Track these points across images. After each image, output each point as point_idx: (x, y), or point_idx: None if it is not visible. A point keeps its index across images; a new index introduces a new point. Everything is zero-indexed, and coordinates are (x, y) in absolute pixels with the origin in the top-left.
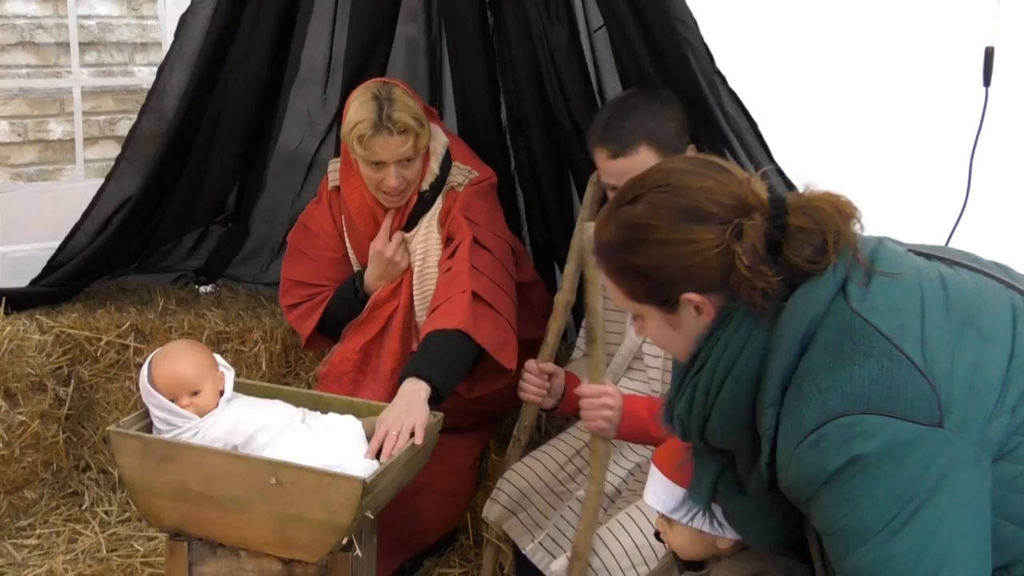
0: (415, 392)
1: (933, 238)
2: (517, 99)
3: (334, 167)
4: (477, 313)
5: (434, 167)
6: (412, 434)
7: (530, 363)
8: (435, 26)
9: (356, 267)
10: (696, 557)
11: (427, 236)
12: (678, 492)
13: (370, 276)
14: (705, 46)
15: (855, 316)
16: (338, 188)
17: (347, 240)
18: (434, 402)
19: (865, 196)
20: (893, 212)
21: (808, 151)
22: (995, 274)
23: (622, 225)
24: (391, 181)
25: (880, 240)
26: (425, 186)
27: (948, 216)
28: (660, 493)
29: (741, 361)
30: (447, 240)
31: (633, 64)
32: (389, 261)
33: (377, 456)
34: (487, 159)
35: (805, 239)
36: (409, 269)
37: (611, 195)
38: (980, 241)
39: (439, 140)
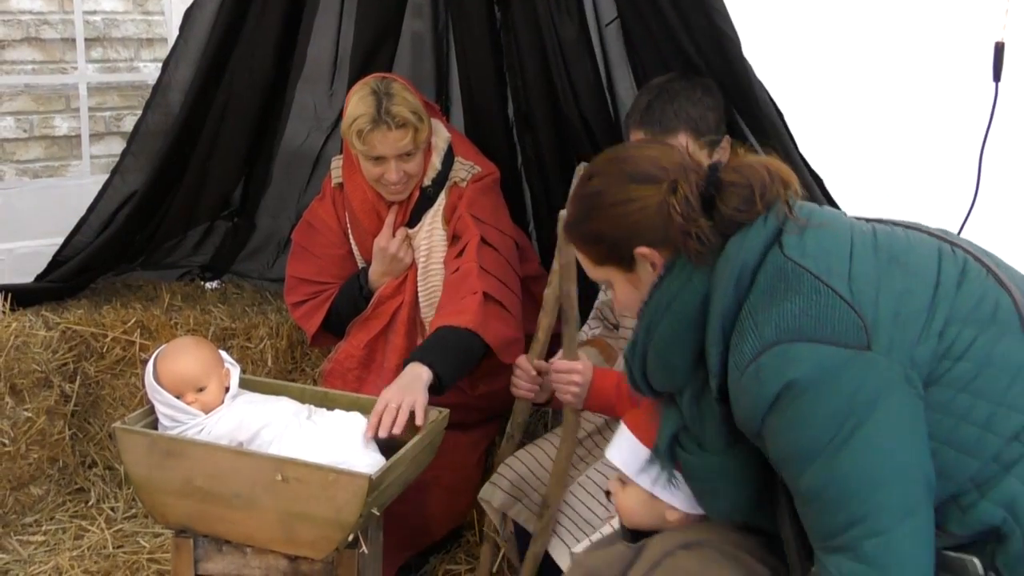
0: (417, 375)
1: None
2: (524, 94)
3: (337, 164)
4: (488, 313)
5: (436, 162)
6: (413, 416)
7: (521, 359)
8: (442, 21)
9: (360, 263)
10: (642, 525)
11: (431, 232)
12: (642, 453)
13: (374, 273)
14: (736, 32)
15: (788, 261)
16: (341, 185)
17: (351, 236)
18: (435, 392)
19: (875, 191)
20: (903, 207)
21: (819, 146)
22: (931, 230)
23: (579, 199)
24: (391, 175)
25: (816, 205)
26: (427, 181)
27: (958, 211)
28: (624, 451)
29: (680, 299)
30: (453, 238)
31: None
32: (393, 257)
33: (379, 435)
34: (493, 154)
35: (734, 191)
36: (413, 265)
37: None
38: (990, 236)
39: (441, 135)
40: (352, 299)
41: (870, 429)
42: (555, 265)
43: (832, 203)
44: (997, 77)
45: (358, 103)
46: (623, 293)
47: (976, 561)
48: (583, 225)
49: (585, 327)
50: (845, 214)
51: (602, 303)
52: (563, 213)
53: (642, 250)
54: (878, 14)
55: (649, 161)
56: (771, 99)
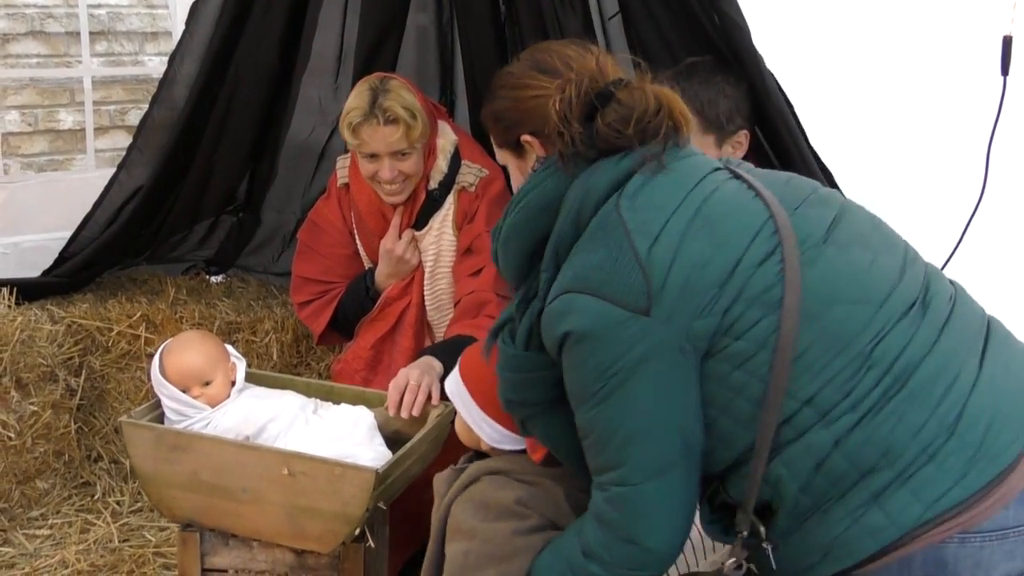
0: (431, 364)
1: (950, 227)
2: None
3: (343, 163)
4: None
5: (442, 165)
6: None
7: None
8: (446, 15)
9: (366, 264)
10: (468, 445)
11: (440, 237)
12: (464, 389)
13: (380, 274)
14: (745, 22)
15: (614, 211)
16: (347, 185)
17: (356, 237)
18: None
19: (882, 185)
20: (910, 201)
21: (826, 140)
22: (766, 198)
23: (495, 80)
24: (385, 173)
25: (693, 150)
26: (433, 184)
27: (965, 205)
28: (451, 383)
29: (532, 196)
30: (467, 250)
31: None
32: (399, 259)
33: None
34: None
35: (616, 109)
36: (420, 267)
37: None
38: (997, 230)
39: (447, 138)
40: (358, 300)
41: (631, 388)
42: None
43: None
44: (1005, 71)
45: (354, 98)
46: (515, 180)
47: (761, 525)
48: (489, 104)
49: None
50: (710, 163)
51: None
52: None
53: (527, 137)
54: (886, 8)
55: (560, 57)
56: (781, 89)
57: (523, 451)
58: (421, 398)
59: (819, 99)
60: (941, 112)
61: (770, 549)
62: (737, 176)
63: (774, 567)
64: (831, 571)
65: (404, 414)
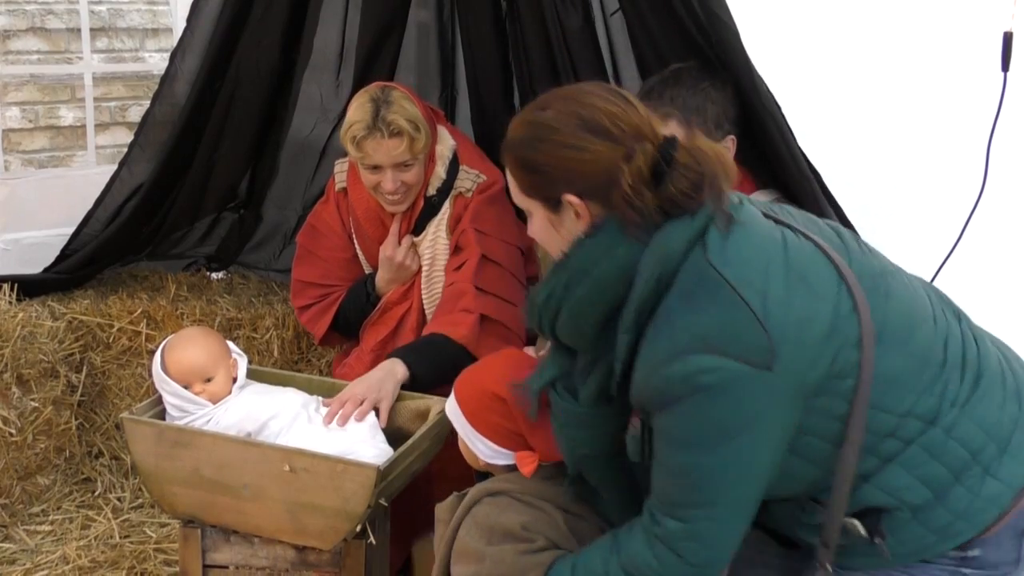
0: (392, 371)
1: (950, 225)
2: (530, 84)
3: (341, 168)
4: (485, 331)
5: (440, 171)
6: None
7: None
8: (447, 11)
9: (366, 268)
10: (468, 460)
11: (435, 240)
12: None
13: (381, 280)
14: (733, 22)
15: (709, 267)
16: (345, 190)
17: (356, 242)
18: (409, 389)
19: (882, 182)
20: (910, 198)
21: (824, 138)
22: (824, 247)
23: (528, 125)
24: (388, 185)
25: (741, 198)
26: (432, 190)
27: (965, 202)
28: (450, 405)
29: (601, 266)
30: (455, 248)
31: (654, 47)
32: (400, 265)
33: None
34: (499, 144)
35: (685, 174)
36: (420, 271)
37: None
38: (997, 226)
39: (446, 143)
40: (359, 305)
41: (746, 439)
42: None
43: (830, 198)
44: (1005, 67)
45: (356, 110)
46: (540, 228)
47: (858, 523)
48: (524, 151)
49: None
50: (760, 215)
51: None
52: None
53: (571, 198)
54: (886, 4)
55: (608, 116)
56: (769, 92)
57: (515, 466)
58: (363, 411)
59: (820, 96)
60: (941, 108)
61: (881, 543)
62: (780, 222)
63: (888, 556)
64: (952, 545)
65: (340, 424)
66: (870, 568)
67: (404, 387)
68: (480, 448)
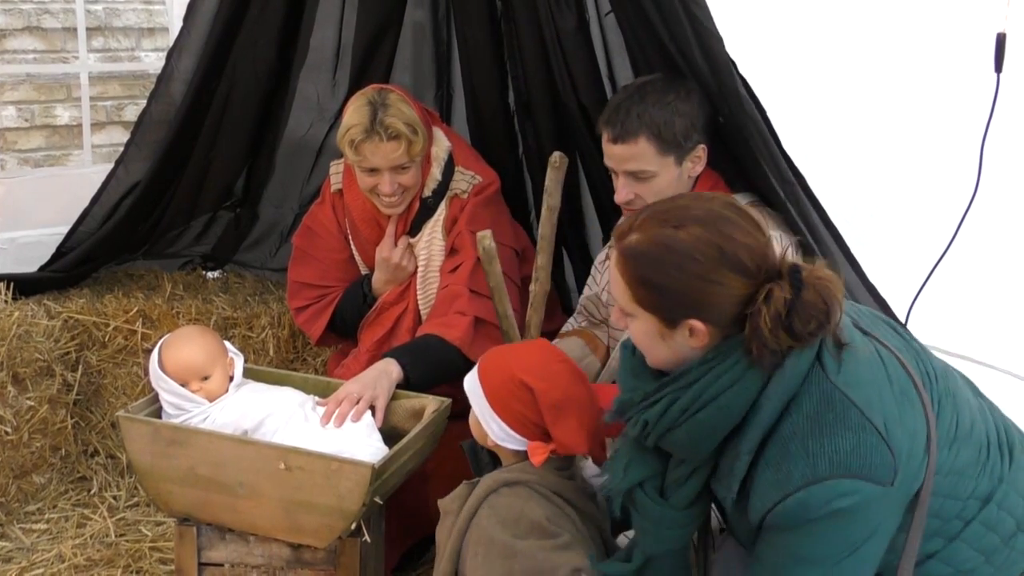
0: (386, 371)
1: (943, 226)
2: (525, 84)
3: (336, 169)
4: (479, 334)
5: (436, 173)
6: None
7: None
8: (442, 10)
9: (362, 269)
10: (477, 436)
11: (430, 242)
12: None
13: (378, 281)
14: (715, 27)
15: (835, 389)
16: (340, 191)
17: (351, 243)
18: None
19: (875, 184)
20: (904, 200)
21: (818, 140)
22: (899, 356)
23: (662, 244)
24: (385, 187)
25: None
26: (427, 192)
27: (959, 203)
28: (470, 380)
29: (728, 394)
30: (451, 250)
31: (641, 50)
32: (396, 266)
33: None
34: (494, 144)
35: (813, 315)
36: (416, 272)
37: (614, 178)
38: (990, 229)
39: (441, 145)
40: (356, 306)
41: (866, 549)
42: (540, 261)
43: (814, 202)
44: (999, 68)
45: (353, 114)
46: (643, 336)
47: None
48: (650, 270)
49: (571, 320)
50: (853, 326)
51: (587, 299)
52: (556, 155)
53: (697, 324)
54: (880, 5)
55: (747, 250)
56: (753, 95)
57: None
58: (359, 410)
59: (813, 98)
60: (935, 109)
61: None
62: (866, 333)
63: None
64: None
65: (336, 424)
66: None
67: (398, 387)
68: (493, 429)
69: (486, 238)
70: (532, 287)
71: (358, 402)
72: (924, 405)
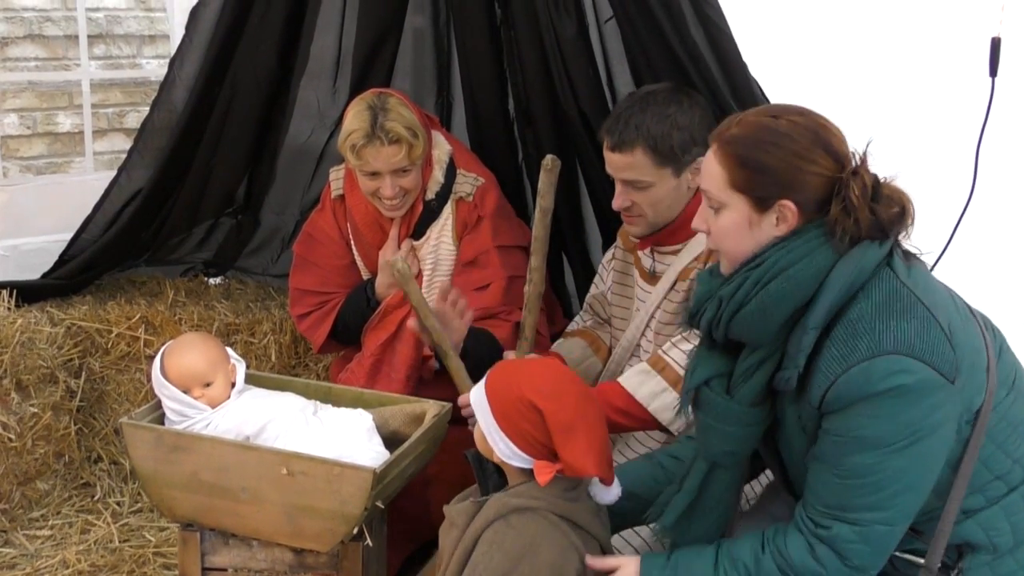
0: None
1: (939, 229)
2: (524, 91)
3: (336, 175)
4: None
5: (438, 176)
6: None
7: (509, 355)
8: (443, 17)
9: (364, 274)
10: (482, 451)
11: (438, 246)
12: (485, 401)
13: (381, 284)
14: (727, 26)
15: (903, 287)
16: (342, 196)
17: (354, 248)
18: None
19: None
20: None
21: None
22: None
23: (761, 128)
24: (387, 191)
25: None
26: (430, 195)
27: (954, 207)
28: (476, 393)
29: (798, 266)
30: (471, 262)
31: (644, 55)
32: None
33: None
34: (494, 150)
35: (891, 204)
36: (420, 276)
37: (617, 186)
38: (985, 232)
39: (442, 148)
40: (359, 311)
41: (925, 445)
42: (534, 262)
43: None
44: (993, 72)
45: (353, 118)
46: (731, 224)
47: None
48: (751, 150)
49: (576, 319)
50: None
51: (593, 297)
52: (549, 157)
53: (789, 204)
54: (874, 9)
55: (837, 139)
56: (766, 99)
57: (530, 470)
58: (462, 304)
59: (809, 100)
60: (930, 113)
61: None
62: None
63: None
64: None
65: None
66: None
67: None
68: (500, 446)
69: (399, 261)
70: (526, 288)
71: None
72: (984, 337)
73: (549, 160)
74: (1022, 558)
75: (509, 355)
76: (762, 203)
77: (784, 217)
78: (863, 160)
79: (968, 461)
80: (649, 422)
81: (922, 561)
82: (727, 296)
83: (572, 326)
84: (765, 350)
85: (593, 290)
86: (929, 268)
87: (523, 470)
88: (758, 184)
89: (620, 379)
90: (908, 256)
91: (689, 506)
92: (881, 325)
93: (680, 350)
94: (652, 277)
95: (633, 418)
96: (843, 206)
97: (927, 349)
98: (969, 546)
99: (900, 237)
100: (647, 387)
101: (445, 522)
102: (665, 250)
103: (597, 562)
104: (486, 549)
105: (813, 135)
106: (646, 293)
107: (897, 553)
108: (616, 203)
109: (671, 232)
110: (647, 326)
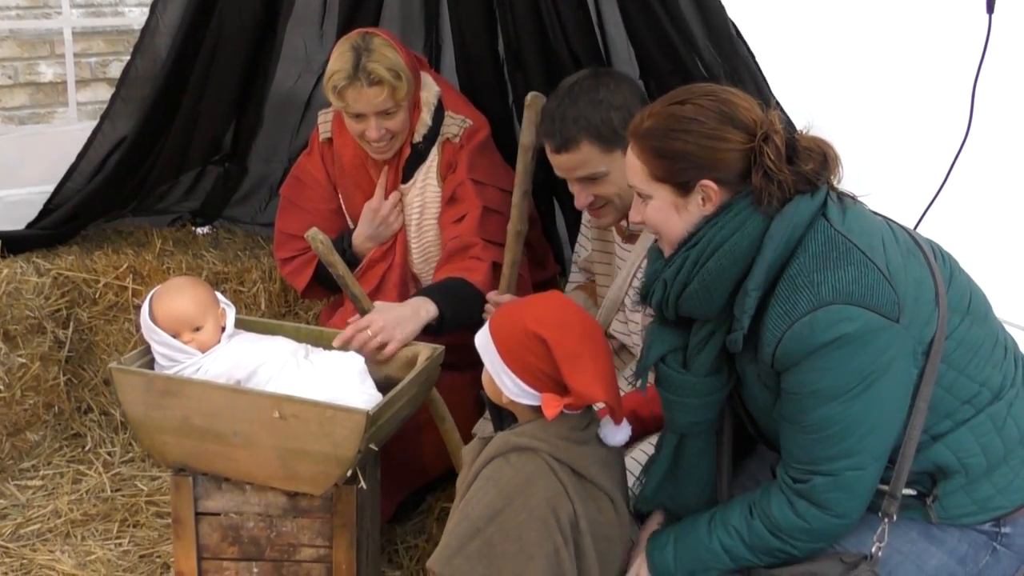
0: (418, 310)
1: (935, 168)
2: (515, 32)
3: (325, 118)
4: (497, 279)
5: (426, 118)
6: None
7: (491, 295)
8: None
9: (349, 221)
10: (491, 396)
11: (424, 188)
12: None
13: (359, 236)
14: None
15: (838, 234)
16: (330, 139)
17: (339, 194)
18: (431, 332)
19: (867, 126)
20: (896, 142)
21: (809, 83)
22: (906, 227)
23: (669, 117)
24: (372, 132)
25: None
26: (418, 137)
27: (950, 145)
28: (481, 337)
29: (733, 240)
30: (450, 199)
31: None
32: (383, 220)
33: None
34: (485, 93)
35: (810, 155)
36: (402, 230)
37: (570, 186)
38: (982, 170)
39: (430, 90)
40: None
41: (881, 386)
42: (515, 198)
43: None
44: (990, 9)
45: (337, 59)
46: (659, 212)
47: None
48: (665, 139)
49: (571, 278)
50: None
51: (584, 261)
52: (531, 94)
53: (709, 183)
54: None
55: (746, 112)
56: (745, 43)
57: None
58: (370, 346)
59: (802, 40)
60: (926, 51)
61: (933, 503)
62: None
63: (932, 520)
64: (988, 518)
65: (338, 344)
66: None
67: (428, 329)
68: (507, 384)
69: (318, 235)
70: (508, 227)
71: (375, 337)
72: (931, 266)
73: (531, 96)
74: (999, 481)
75: (492, 295)
76: (683, 188)
77: (708, 196)
78: (772, 123)
79: (924, 389)
80: None
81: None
82: (670, 278)
83: (570, 285)
84: (715, 322)
85: (582, 253)
86: (924, 208)
87: (533, 409)
88: (676, 171)
89: None
90: (842, 199)
91: (666, 475)
92: (819, 277)
93: None
94: (630, 237)
95: None
96: (763, 173)
97: (866, 294)
98: (942, 471)
99: (833, 181)
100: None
101: (463, 466)
102: None
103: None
104: (482, 484)
105: (719, 114)
106: (626, 252)
107: None
108: (579, 203)
109: None
110: (630, 285)
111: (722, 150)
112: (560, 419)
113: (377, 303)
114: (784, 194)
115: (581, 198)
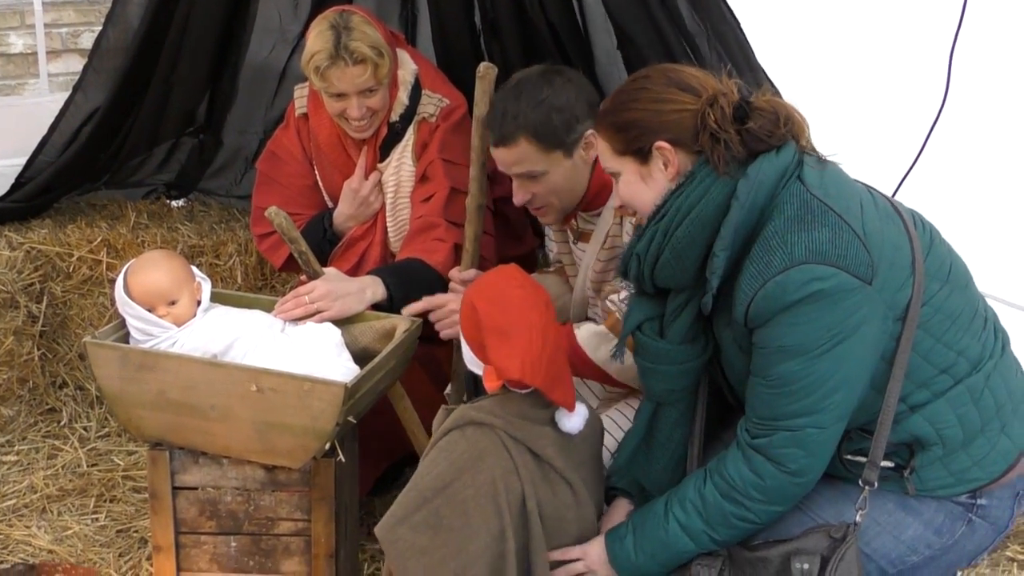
0: (366, 290)
1: (913, 136)
2: (491, 2)
3: (300, 93)
4: (458, 261)
5: (403, 97)
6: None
7: (452, 272)
8: None
9: (325, 197)
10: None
11: (399, 167)
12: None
13: (340, 215)
14: None
15: (813, 198)
16: (306, 115)
17: (316, 169)
18: (382, 309)
19: (845, 93)
20: (873, 111)
21: (787, 53)
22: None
23: (621, 92)
24: (353, 112)
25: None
26: (395, 116)
27: (927, 114)
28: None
29: (699, 207)
30: (422, 177)
31: None
32: (364, 200)
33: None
34: (461, 63)
35: (761, 114)
36: (382, 208)
37: (513, 183)
38: (959, 138)
39: (408, 68)
40: (316, 240)
41: (848, 345)
42: (472, 171)
43: None
44: None
45: (316, 39)
46: (629, 186)
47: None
48: (617, 114)
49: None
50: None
51: (557, 255)
52: (483, 65)
53: (663, 144)
54: None
55: (693, 77)
56: (730, 9)
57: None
58: (300, 312)
59: (781, 11)
60: (903, 20)
61: (910, 475)
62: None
63: (909, 492)
64: (965, 490)
65: (281, 316)
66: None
67: (378, 307)
68: (465, 352)
69: (279, 215)
70: (468, 201)
71: (311, 304)
72: (909, 232)
73: (483, 67)
74: (976, 453)
75: (453, 273)
76: (642, 154)
77: (667, 160)
78: (724, 90)
79: (901, 356)
80: (609, 379)
81: (864, 459)
82: (643, 252)
83: (548, 269)
84: (690, 290)
85: (552, 248)
86: (902, 176)
87: (492, 401)
88: (632, 139)
89: (579, 337)
90: (822, 162)
91: (640, 446)
92: (793, 238)
93: None
94: (582, 236)
95: (594, 376)
96: (710, 134)
97: (840, 254)
98: (919, 443)
99: (802, 142)
100: (603, 350)
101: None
102: (589, 215)
103: (557, 554)
104: (435, 455)
105: (665, 78)
106: (581, 252)
107: (848, 456)
108: (517, 199)
109: (588, 203)
110: (590, 281)
111: (668, 112)
112: (520, 397)
113: (327, 269)
114: (733, 153)
115: (519, 195)
